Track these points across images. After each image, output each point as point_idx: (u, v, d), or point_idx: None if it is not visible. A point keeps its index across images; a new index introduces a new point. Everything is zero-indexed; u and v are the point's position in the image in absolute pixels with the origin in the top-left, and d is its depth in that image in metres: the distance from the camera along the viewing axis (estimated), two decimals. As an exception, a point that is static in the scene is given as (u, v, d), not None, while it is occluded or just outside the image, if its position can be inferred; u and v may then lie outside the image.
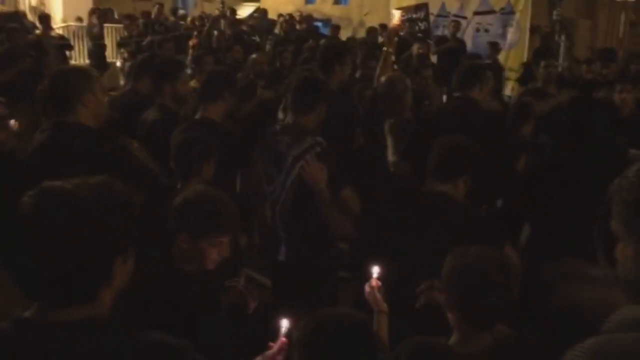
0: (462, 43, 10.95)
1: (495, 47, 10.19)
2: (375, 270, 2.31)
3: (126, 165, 2.72)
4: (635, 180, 1.23)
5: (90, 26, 12.76)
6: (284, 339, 1.94)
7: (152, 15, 12.30)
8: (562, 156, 3.49)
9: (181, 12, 16.87)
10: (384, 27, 11.27)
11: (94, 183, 1.38)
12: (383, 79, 4.25)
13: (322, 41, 8.47)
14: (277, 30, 12.47)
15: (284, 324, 1.97)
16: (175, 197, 2.29)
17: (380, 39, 10.48)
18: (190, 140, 2.96)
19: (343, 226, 3.06)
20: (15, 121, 3.16)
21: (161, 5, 12.50)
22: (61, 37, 11.65)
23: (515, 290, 1.88)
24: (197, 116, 3.80)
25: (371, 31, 11.07)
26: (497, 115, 4.04)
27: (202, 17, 12.29)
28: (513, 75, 11.15)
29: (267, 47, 9.87)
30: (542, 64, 5.88)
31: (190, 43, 9.68)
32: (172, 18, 12.25)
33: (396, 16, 6.55)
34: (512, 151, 3.94)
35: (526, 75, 8.08)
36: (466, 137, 2.84)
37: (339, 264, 3.62)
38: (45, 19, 11.12)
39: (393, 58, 5.64)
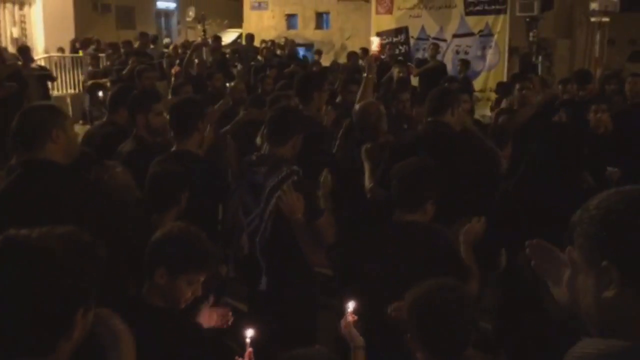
0: (442, 64, 11.09)
1: (465, 64, 10.41)
2: (350, 306, 2.30)
3: (96, 202, 2.70)
4: (595, 214, 1.21)
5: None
6: (250, 350, 1.93)
7: (135, 44, 12.37)
8: (527, 184, 3.44)
9: (166, 40, 16.98)
10: (365, 51, 11.41)
11: (59, 233, 1.37)
12: (357, 106, 4.29)
13: (290, 68, 8.54)
14: (259, 57, 12.59)
15: (248, 333, 1.96)
16: (151, 230, 2.28)
17: (361, 62, 10.61)
18: (164, 173, 2.96)
19: (317, 256, 3.05)
20: None
21: (143, 34, 12.56)
22: (42, 68, 11.66)
23: (472, 318, 1.89)
24: (173, 149, 3.78)
25: (352, 55, 11.19)
26: (470, 139, 4.07)
27: (184, 45, 12.36)
28: (493, 96, 11.30)
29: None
30: (517, 86, 5.94)
31: (172, 71, 9.74)
32: (151, 46, 12.30)
33: (375, 42, 6.59)
34: (492, 172, 3.96)
35: (502, 97, 8.19)
36: (425, 159, 2.84)
37: (319, 293, 3.62)
38: (24, 51, 11.13)
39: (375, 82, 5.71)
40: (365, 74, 5.17)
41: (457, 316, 1.83)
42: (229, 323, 2.60)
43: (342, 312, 2.49)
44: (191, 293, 2.20)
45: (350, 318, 2.27)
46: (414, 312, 1.89)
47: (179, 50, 11.78)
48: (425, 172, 2.76)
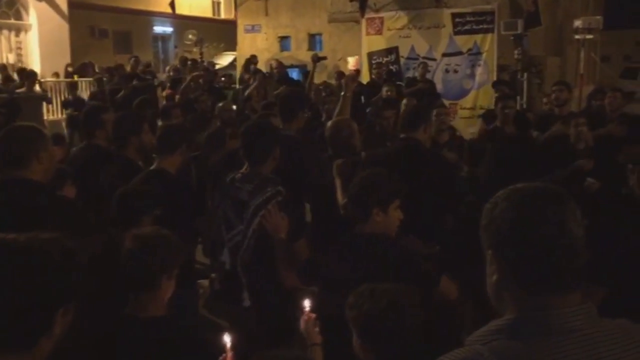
0: (431, 84, 11.22)
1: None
2: (307, 304, 2.37)
3: (65, 218, 2.79)
4: (486, 207, 1.32)
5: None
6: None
7: (129, 68, 12.52)
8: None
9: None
10: (340, 73, 11.59)
11: (44, 238, 1.48)
12: (329, 123, 4.39)
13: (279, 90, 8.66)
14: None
15: (227, 338, 2.04)
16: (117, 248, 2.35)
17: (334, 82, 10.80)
18: (131, 192, 3.04)
19: (292, 276, 3.08)
20: None
21: (137, 58, 12.72)
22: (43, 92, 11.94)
23: (415, 325, 1.94)
24: (152, 167, 3.90)
25: (340, 76, 11.34)
26: (441, 156, 4.16)
27: (176, 69, 12.49)
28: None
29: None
30: (499, 105, 6.04)
31: (163, 93, 9.84)
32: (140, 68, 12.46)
33: (351, 62, 6.71)
34: (458, 190, 4.05)
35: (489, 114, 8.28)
36: (373, 170, 2.88)
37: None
38: (30, 76, 11.39)
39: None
40: (343, 92, 5.27)
41: (397, 321, 1.89)
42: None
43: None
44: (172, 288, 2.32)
45: (307, 317, 2.33)
46: (354, 316, 1.95)
47: (171, 73, 11.87)
48: (367, 181, 2.79)
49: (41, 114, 11.16)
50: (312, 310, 2.40)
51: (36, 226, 2.52)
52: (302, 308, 2.40)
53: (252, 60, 12.95)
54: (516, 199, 1.28)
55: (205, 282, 4.42)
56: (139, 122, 4.36)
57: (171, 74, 11.81)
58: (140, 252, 2.27)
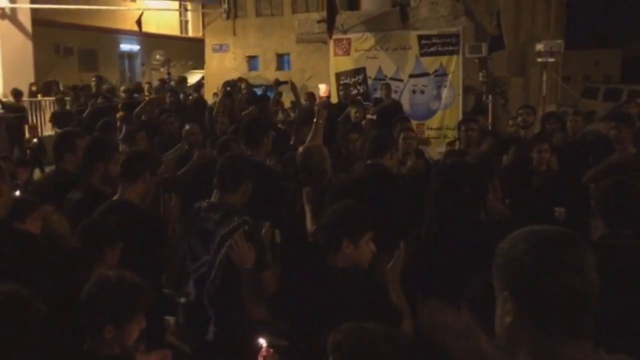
0: (397, 103, 11.34)
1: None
2: (263, 341, 2.36)
3: (25, 254, 2.72)
4: (504, 247, 1.33)
5: None
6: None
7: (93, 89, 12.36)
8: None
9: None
10: (310, 95, 11.67)
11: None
12: (300, 149, 4.39)
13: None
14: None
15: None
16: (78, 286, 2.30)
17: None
18: (92, 225, 2.98)
19: (257, 308, 3.03)
20: None
21: (100, 77, 12.58)
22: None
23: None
24: (115, 197, 3.81)
25: (310, 96, 11.39)
26: (407, 182, 4.20)
27: (129, 90, 12.18)
28: (450, 133, 11.58)
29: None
30: (462, 127, 6.14)
31: (117, 116, 9.37)
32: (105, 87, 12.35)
33: (322, 89, 6.75)
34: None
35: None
36: (345, 202, 2.86)
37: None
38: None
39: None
40: (315, 119, 5.29)
41: None
42: None
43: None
44: (139, 330, 2.28)
45: (265, 352, 2.32)
46: (343, 355, 1.93)
47: (123, 94, 11.57)
48: (339, 213, 2.78)
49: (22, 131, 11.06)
50: (270, 345, 2.38)
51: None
52: (259, 346, 2.37)
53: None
54: (535, 242, 1.29)
55: (171, 320, 4.32)
56: (109, 150, 4.29)
57: (123, 95, 11.53)
58: (92, 298, 2.24)
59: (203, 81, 18.17)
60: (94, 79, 12.50)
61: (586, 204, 4.45)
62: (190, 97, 12.69)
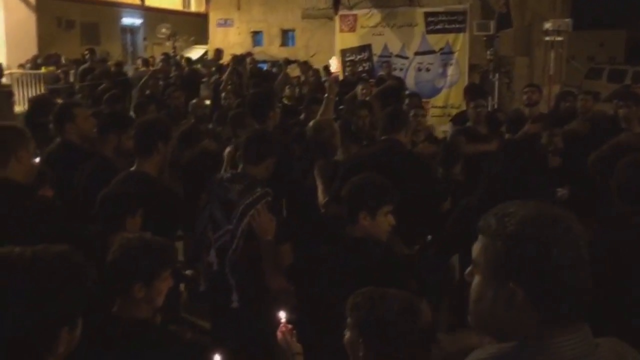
0: (400, 81, 11.29)
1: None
2: (283, 315, 2.38)
3: (48, 221, 2.75)
4: (510, 232, 1.24)
5: None
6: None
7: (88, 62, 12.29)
8: (490, 200, 3.53)
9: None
10: (327, 69, 11.61)
11: (51, 254, 1.45)
12: (311, 123, 4.40)
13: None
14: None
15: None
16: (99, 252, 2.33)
17: (324, 79, 10.77)
18: (113, 194, 3.00)
19: (278, 279, 3.08)
20: None
21: (92, 50, 12.51)
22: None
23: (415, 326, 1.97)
24: (132, 169, 3.79)
25: (315, 73, 11.34)
26: (421, 157, 4.22)
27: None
28: (454, 111, 11.56)
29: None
30: (472, 104, 6.10)
31: None
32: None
33: (334, 64, 6.72)
34: (438, 192, 4.11)
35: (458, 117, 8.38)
36: (367, 174, 2.89)
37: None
38: None
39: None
40: (327, 94, 5.29)
41: (411, 325, 1.92)
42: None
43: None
44: (167, 287, 2.33)
45: (284, 328, 2.35)
46: (360, 317, 1.97)
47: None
48: (357, 185, 2.80)
49: (10, 108, 10.91)
50: (288, 321, 2.41)
51: (20, 229, 2.52)
52: (278, 320, 2.40)
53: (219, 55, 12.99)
54: (540, 220, 1.24)
55: (189, 272, 4.28)
56: (122, 121, 4.28)
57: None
58: (119, 260, 2.28)
59: (206, 56, 18.06)
60: (86, 52, 12.42)
61: (591, 185, 4.45)
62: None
